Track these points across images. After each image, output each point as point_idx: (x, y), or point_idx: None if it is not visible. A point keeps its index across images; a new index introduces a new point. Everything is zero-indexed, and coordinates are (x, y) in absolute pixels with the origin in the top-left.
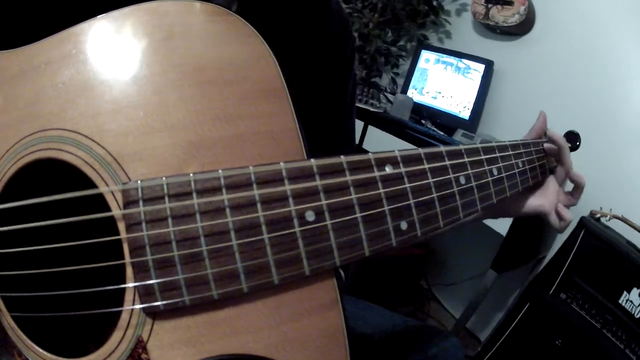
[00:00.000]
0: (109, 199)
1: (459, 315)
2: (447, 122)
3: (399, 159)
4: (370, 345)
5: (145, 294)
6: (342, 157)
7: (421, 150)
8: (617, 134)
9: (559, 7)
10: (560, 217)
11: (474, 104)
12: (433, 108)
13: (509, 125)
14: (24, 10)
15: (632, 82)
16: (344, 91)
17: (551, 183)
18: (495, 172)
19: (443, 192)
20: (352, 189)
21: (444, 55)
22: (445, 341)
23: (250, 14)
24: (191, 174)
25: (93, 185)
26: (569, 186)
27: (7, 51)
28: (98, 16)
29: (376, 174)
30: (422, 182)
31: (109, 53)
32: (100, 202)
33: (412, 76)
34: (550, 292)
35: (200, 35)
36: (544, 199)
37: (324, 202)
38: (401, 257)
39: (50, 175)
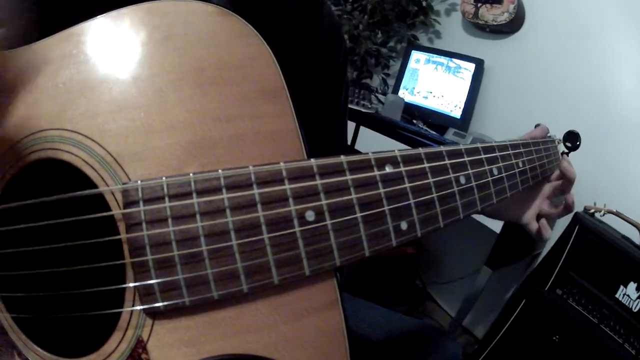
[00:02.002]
0: (109, 199)
1: (455, 313)
2: (438, 122)
3: (399, 158)
4: (367, 344)
5: (145, 294)
6: (342, 157)
7: (421, 150)
8: (609, 129)
9: (548, 4)
10: (539, 232)
11: (465, 103)
12: (424, 108)
13: (500, 124)
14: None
15: (623, 77)
16: (338, 94)
17: (537, 191)
18: (495, 172)
19: (443, 192)
20: (352, 189)
21: (434, 55)
22: (443, 339)
23: (243, 16)
24: (191, 174)
25: (93, 185)
26: None
27: (7, 51)
28: (98, 16)
29: (376, 173)
30: (422, 182)
31: (108, 53)
32: (100, 202)
33: (402, 77)
34: (546, 288)
35: (200, 36)
36: (525, 209)
37: (324, 202)
38: (394, 257)
39: (50, 175)
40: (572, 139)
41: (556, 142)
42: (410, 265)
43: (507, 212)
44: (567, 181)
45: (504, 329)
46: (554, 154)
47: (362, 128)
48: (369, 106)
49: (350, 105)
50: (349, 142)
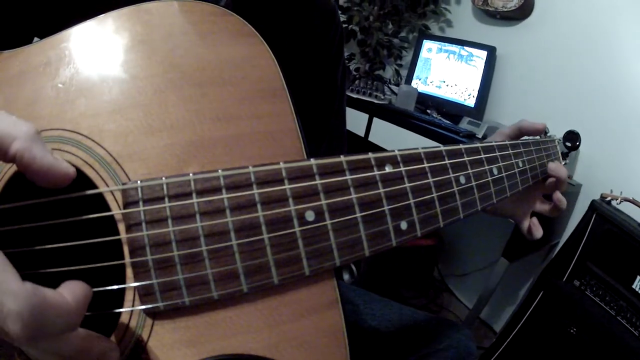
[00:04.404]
0: (109, 199)
1: (473, 305)
2: (452, 111)
3: (398, 158)
4: (378, 338)
5: (145, 294)
6: (342, 157)
7: (421, 150)
8: (625, 114)
9: None
10: (529, 231)
11: (479, 91)
12: (438, 97)
13: (515, 111)
14: (24, 11)
15: (638, 60)
16: (334, 76)
17: (535, 190)
18: (495, 171)
19: (443, 192)
20: (352, 188)
21: (446, 44)
22: (456, 333)
23: (242, 13)
24: (191, 174)
25: (93, 185)
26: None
27: (6, 51)
28: (98, 16)
29: (376, 173)
30: (422, 182)
31: (108, 53)
32: (100, 203)
33: (415, 66)
34: (564, 279)
35: (200, 35)
36: (521, 207)
37: (323, 202)
38: (413, 249)
39: None
40: (572, 139)
41: (556, 142)
42: (429, 257)
43: (503, 210)
44: (558, 180)
45: (521, 322)
46: (554, 154)
47: (375, 119)
48: (382, 97)
49: (363, 97)
50: (362, 134)
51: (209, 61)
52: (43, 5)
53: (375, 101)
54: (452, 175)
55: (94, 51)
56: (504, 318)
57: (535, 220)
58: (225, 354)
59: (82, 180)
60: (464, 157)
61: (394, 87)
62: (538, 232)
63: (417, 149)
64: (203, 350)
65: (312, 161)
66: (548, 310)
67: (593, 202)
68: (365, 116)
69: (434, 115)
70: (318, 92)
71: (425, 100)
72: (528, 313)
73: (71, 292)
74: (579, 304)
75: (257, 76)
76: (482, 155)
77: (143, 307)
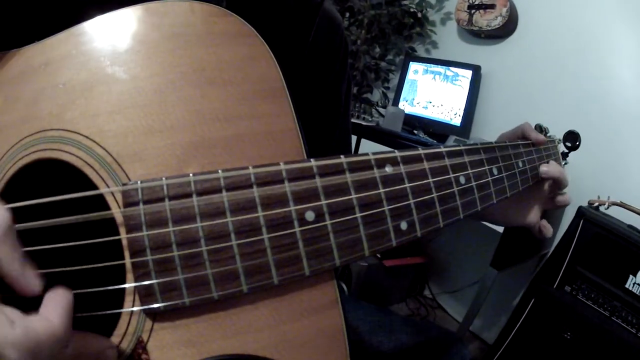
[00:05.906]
0: (109, 199)
1: (463, 318)
2: (439, 131)
3: (399, 159)
4: (369, 344)
5: (145, 294)
6: (342, 157)
7: (421, 151)
8: (607, 122)
9: (540, 4)
10: (539, 232)
11: (465, 110)
12: (425, 118)
13: (501, 128)
14: (24, 11)
15: (619, 70)
16: (337, 88)
17: (538, 192)
18: (495, 171)
19: (443, 192)
20: (352, 189)
21: (432, 65)
22: (447, 338)
23: (240, 14)
24: (191, 175)
25: (93, 186)
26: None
27: (7, 52)
28: (98, 16)
29: (376, 174)
30: (422, 182)
31: (108, 54)
32: (100, 203)
33: (402, 88)
34: (555, 286)
35: (200, 36)
36: (528, 212)
37: (323, 202)
38: (403, 267)
39: (50, 175)
40: (572, 139)
41: (556, 142)
42: (420, 275)
43: (511, 218)
44: (554, 181)
45: (514, 331)
46: (554, 154)
47: (363, 140)
48: (370, 120)
49: (351, 119)
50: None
51: (209, 61)
52: (43, 6)
53: (363, 123)
54: (452, 175)
55: (94, 51)
56: (497, 331)
57: (544, 221)
58: (225, 354)
59: (82, 180)
60: (464, 158)
61: (381, 110)
62: (548, 232)
63: (417, 149)
64: (203, 350)
65: (312, 161)
66: (540, 317)
67: (580, 207)
68: (353, 137)
69: (421, 135)
70: (321, 107)
71: (412, 121)
72: (520, 322)
73: (56, 313)
74: (572, 309)
75: (257, 76)
76: (482, 156)
77: (143, 307)
